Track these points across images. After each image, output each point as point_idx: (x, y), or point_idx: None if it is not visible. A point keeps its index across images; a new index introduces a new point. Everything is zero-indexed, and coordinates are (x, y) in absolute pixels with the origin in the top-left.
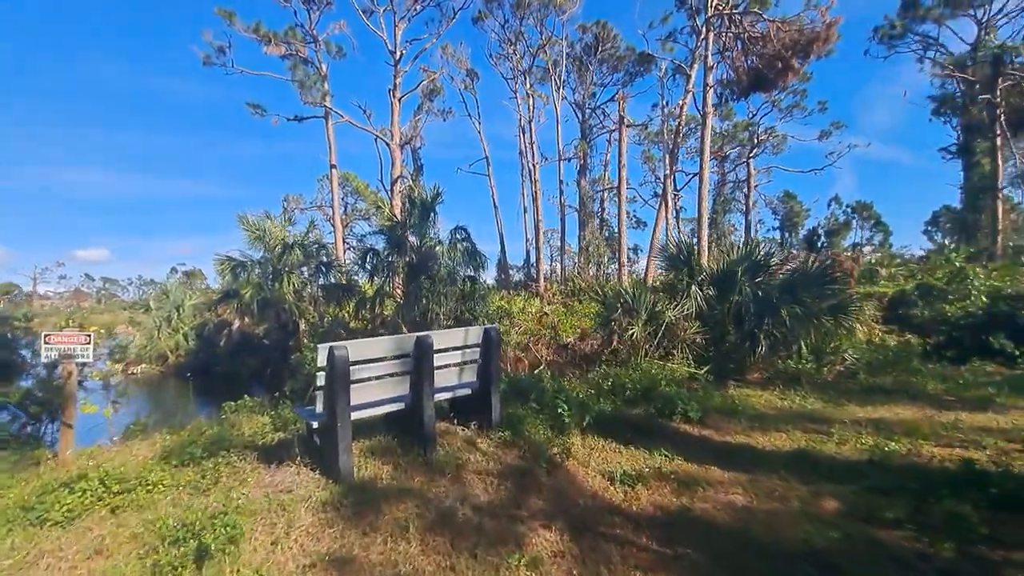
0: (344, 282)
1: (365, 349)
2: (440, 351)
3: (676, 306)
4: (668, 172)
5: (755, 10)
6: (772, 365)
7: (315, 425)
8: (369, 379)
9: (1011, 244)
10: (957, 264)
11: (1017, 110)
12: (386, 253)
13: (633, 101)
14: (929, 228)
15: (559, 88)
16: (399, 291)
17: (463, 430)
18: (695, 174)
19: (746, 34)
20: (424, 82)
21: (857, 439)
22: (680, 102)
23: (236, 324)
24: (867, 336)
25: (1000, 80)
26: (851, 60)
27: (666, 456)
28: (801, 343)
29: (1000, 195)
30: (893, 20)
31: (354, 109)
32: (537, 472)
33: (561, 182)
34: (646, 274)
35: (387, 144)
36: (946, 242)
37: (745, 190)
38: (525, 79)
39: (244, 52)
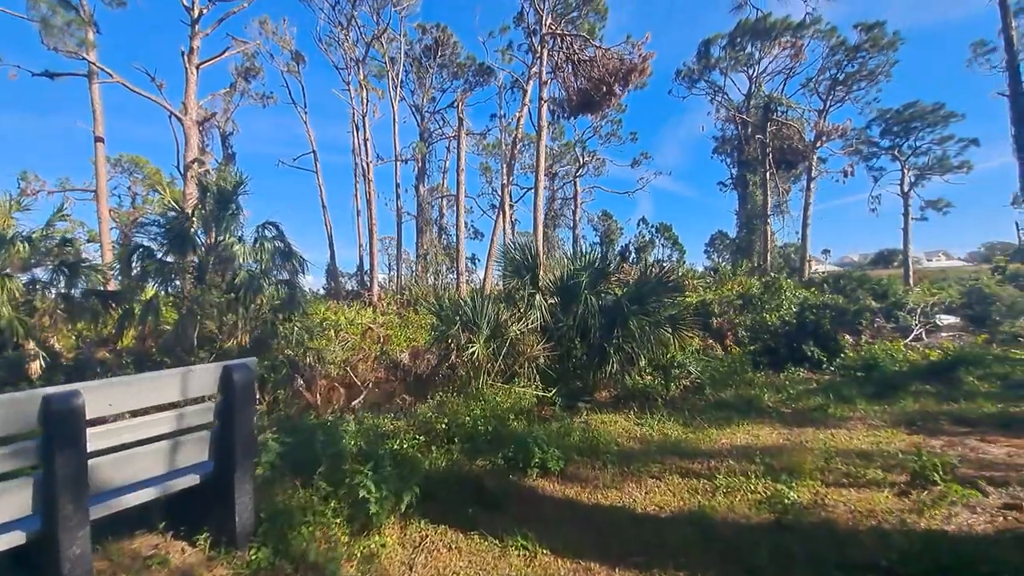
0: (104, 289)
1: None
2: (113, 420)
3: (520, 319)
4: (505, 182)
5: (583, 34)
6: (621, 382)
7: None
8: None
9: (780, 260)
10: (765, 279)
11: (781, 150)
12: (163, 251)
13: (473, 111)
14: (708, 249)
15: (397, 87)
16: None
17: (182, 552)
18: (529, 188)
19: (576, 56)
20: (232, 51)
21: (746, 485)
22: (517, 114)
23: None
24: (698, 345)
25: (769, 124)
26: (658, 98)
27: (525, 549)
28: (645, 357)
29: (768, 221)
30: (691, 66)
31: (138, 75)
32: None
33: (398, 186)
34: (484, 283)
35: (179, 120)
36: (720, 261)
37: (572, 207)
38: (359, 69)
39: None
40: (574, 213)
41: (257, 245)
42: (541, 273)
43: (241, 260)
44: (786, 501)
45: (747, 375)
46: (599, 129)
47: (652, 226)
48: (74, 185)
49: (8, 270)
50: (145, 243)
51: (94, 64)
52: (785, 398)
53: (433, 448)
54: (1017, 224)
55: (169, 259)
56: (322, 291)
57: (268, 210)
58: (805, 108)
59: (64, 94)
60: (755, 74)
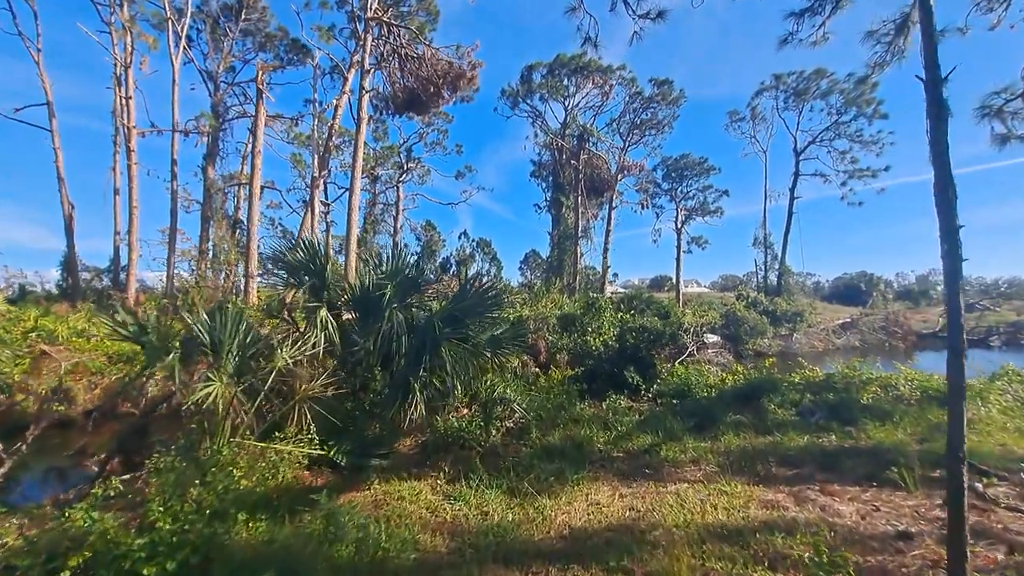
0: None
1: None
2: None
3: (295, 343)
4: (316, 175)
5: (412, 29)
6: (430, 424)
7: None
8: None
9: (592, 279)
10: (587, 299)
11: (591, 178)
12: None
13: (283, 91)
14: (522, 266)
15: (181, 42)
16: None
17: None
18: (346, 189)
19: (403, 50)
20: None
21: None
22: (335, 101)
23: None
24: (515, 364)
25: (583, 152)
26: (482, 117)
27: None
28: (461, 387)
29: (578, 243)
30: (515, 87)
31: None
32: None
33: (174, 162)
34: (246, 291)
35: None
36: (532, 278)
37: (394, 213)
38: (123, 5)
39: None
40: (395, 219)
41: None
42: (349, 279)
43: None
44: None
45: (575, 409)
46: (425, 136)
47: (473, 240)
48: None
49: None
50: None
51: None
52: (614, 437)
53: None
54: (756, 260)
55: None
56: (53, 288)
57: None
58: (611, 143)
59: None
60: (571, 105)
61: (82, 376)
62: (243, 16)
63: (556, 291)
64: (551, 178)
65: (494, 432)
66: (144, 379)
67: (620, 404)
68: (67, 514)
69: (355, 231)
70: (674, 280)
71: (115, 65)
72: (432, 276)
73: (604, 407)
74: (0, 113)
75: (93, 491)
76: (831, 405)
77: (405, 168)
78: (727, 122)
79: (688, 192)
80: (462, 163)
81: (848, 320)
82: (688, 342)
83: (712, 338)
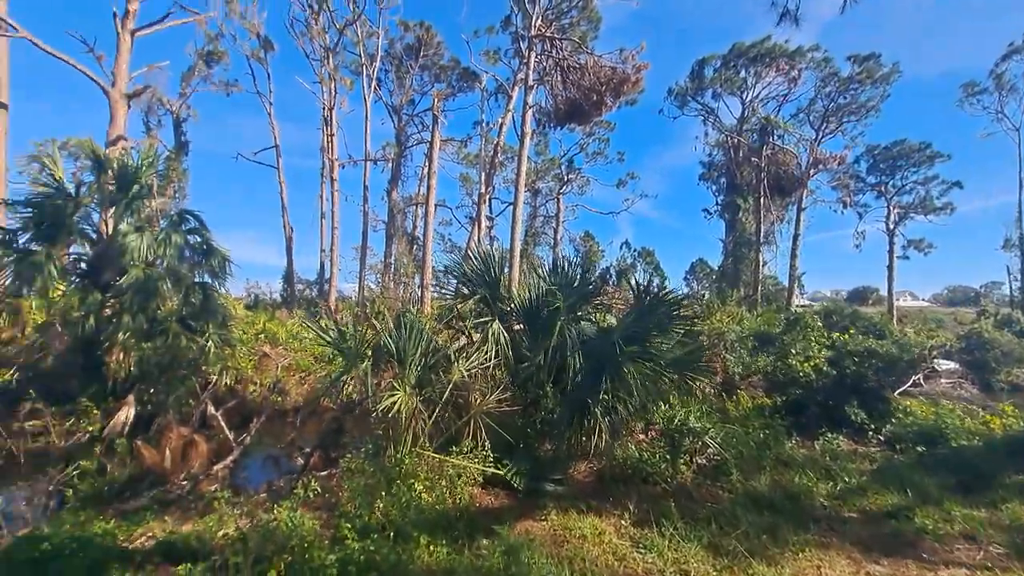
0: None
1: None
2: None
3: (468, 354)
4: (483, 191)
5: (574, 38)
6: (608, 452)
7: None
8: None
9: (772, 290)
10: (795, 311)
11: (776, 176)
12: (27, 238)
13: (455, 117)
14: (688, 276)
15: (372, 83)
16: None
17: None
18: (510, 203)
19: (566, 62)
20: (178, 21)
21: None
22: (500, 120)
23: None
24: (697, 392)
25: (765, 147)
26: (644, 121)
27: None
28: (638, 412)
29: (760, 249)
30: (684, 85)
31: (72, 44)
32: None
33: (366, 188)
34: (421, 301)
35: (105, 91)
36: (699, 289)
37: (554, 224)
38: (329, 58)
39: None
40: (555, 231)
41: (161, 238)
42: (512, 290)
43: (135, 255)
44: None
45: (782, 448)
46: (585, 146)
47: (634, 250)
48: None
49: None
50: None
51: (2, 19)
52: (841, 491)
53: None
54: (1008, 268)
55: (36, 249)
56: (279, 297)
57: (226, 208)
58: (800, 135)
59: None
60: (749, 98)
61: (294, 373)
62: (422, 53)
63: (732, 303)
64: (724, 180)
65: (683, 468)
66: (342, 382)
67: (839, 446)
68: (275, 511)
69: (518, 243)
70: (883, 292)
71: (323, 109)
72: (594, 288)
73: (818, 448)
74: (244, 156)
75: (295, 490)
76: None
77: (565, 180)
78: (960, 97)
79: (904, 185)
80: (624, 171)
81: None
82: (916, 369)
83: (946, 364)
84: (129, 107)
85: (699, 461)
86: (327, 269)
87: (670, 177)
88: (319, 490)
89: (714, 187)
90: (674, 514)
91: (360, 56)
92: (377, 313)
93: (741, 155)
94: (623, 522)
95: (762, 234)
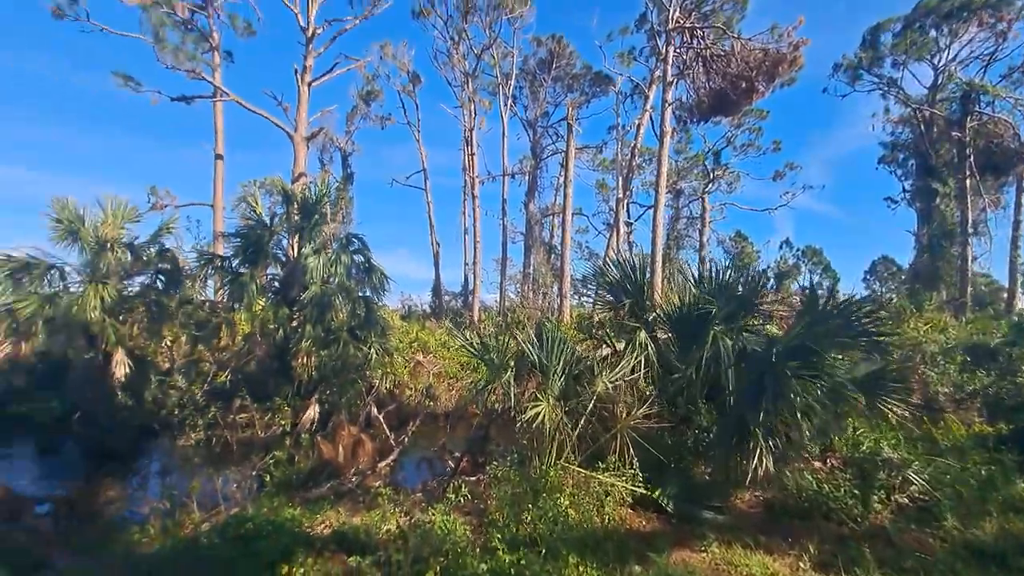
0: (194, 299)
1: None
2: None
3: (613, 366)
4: (621, 196)
5: (718, 24)
6: (776, 480)
7: None
8: None
9: (984, 291)
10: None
11: (985, 152)
12: (236, 262)
13: (589, 124)
14: (868, 277)
15: (507, 100)
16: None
17: None
18: (649, 207)
19: (708, 51)
20: (343, 69)
21: None
22: (636, 120)
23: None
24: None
25: (969, 119)
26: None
27: None
28: (809, 436)
29: (969, 242)
30: (857, 56)
31: (262, 98)
32: None
33: (504, 202)
34: (560, 310)
35: (289, 135)
36: (884, 292)
37: (699, 226)
38: (469, 83)
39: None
40: (701, 233)
41: (333, 258)
42: (656, 299)
43: (314, 274)
44: None
45: (1012, 489)
46: (733, 139)
47: (797, 249)
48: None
49: (107, 276)
50: (223, 254)
51: (219, 88)
52: None
53: None
54: None
55: (243, 271)
56: (428, 308)
57: (382, 229)
58: (1016, 99)
59: (192, 119)
60: (941, 62)
61: (444, 379)
62: (554, 64)
63: (932, 308)
64: (913, 162)
65: (877, 506)
66: (487, 390)
67: None
68: (430, 512)
69: (660, 248)
70: None
71: (464, 130)
72: (752, 293)
73: None
74: (397, 181)
75: (447, 494)
76: None
77: (711, 177)
78: None
79: None
80: (781, 162)
81: None
82: None
83: None
84: (308, 147)
85: (899, 500)
86: (470, 281)
87: (837, 165)
88: (468, 495)
89: (900, 171)
90: (868, 561)
91: (496, 76)
92: (517, 323)
93: (936, 130)
94: (801, 564)
95: (969, 223)
